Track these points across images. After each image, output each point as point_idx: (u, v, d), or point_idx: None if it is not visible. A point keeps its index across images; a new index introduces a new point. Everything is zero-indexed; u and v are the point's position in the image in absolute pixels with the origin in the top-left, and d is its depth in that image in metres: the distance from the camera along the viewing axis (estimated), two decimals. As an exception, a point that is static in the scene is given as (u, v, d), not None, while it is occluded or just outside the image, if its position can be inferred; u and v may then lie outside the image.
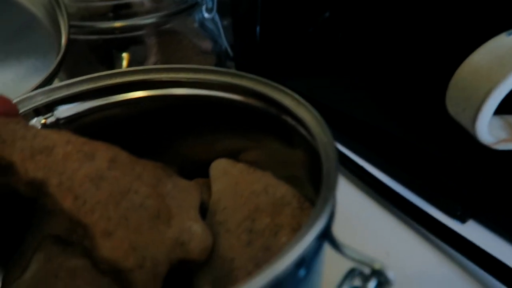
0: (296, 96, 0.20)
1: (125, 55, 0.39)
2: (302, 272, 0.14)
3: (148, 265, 0.15)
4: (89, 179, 0.16)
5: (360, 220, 0.29)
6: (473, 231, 0.29)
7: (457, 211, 0.30)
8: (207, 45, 0.46)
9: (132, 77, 0.23)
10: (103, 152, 0.17)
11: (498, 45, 0.19)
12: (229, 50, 0.47)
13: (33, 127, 0.17)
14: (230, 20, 0.49)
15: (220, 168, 0.22)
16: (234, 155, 0.24)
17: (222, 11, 0.47)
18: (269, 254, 0.18)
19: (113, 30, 0.38)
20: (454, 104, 0.20)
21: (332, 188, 0.15)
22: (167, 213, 0.17)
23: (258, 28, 0.47)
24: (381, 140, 0.34)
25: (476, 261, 0.26)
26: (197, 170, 0.24)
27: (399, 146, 0.33)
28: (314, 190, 0.20)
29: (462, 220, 0.30)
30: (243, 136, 0.24)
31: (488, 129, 0.20)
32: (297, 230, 0.18)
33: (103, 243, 0.15)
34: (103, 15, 0.37)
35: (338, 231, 0.15)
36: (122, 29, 0.38)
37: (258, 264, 0.18)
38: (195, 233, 0.17)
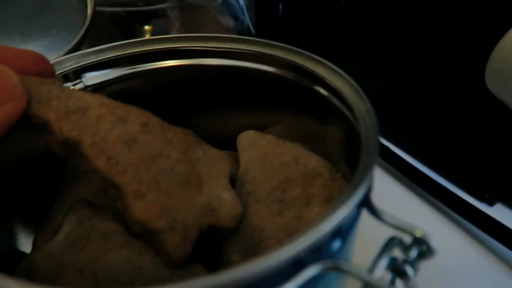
0: (331, 64, 0.19)
1: (147, 28, 0.39)
2: (337, 243, 0.14)
3: (179, 228, 0.15)
4: (122, 141, 0.16)
5: (386, 201, 0.28)
6: (501, 214, 0.28)
7: (485, 193, 0.29)
8: (229, 22, 0.45)
9: (161, 45, 0.23)
10: (136, 116, 0.17)
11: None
12: (251, 28, 0.47)
13: (68, 88, 0.17)
14: (253, -2, 0.49)
15: (248, 139, 0.22)
16: (259, 130, 0.23)
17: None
18: (302, 224, 0.17)
19: (137, 3, 0.37)
20: (495, 77, 0.20)
21: (373, 154, 0.14)
22: (198, 179, 0.17)
23: (281, 6, 0.46)
24: (409, 122, 0.33)
25: (504, 241, 0.25)
26: (220, 145, 0.24)
27: (428, 129, 0.33)
28: (348, 166, 0.19)
29: (490, 203, 0.29)
30: (271, 110, 0.23)
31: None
32: (329, 201, 0.18)
33: (135, 204, 0.15)
34: (127, -13, 0.36)
35: (365, 214, 0.14)
36: (145, 2, 0.37)
37: (290, 234, 0.17)
38: (225, 200, 0.17)
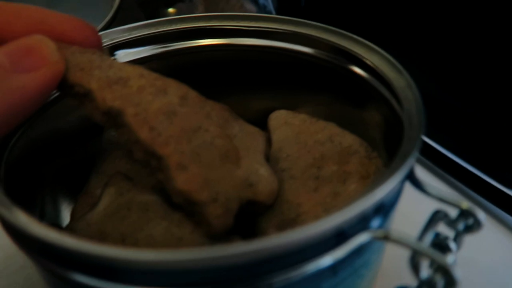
0: (367, 42, 0.19)
1: (171, 11, 0.39)
2: (381, 214, 0.14)
3: (221, 200, 0.15)
4: (163, 113, 0.16)
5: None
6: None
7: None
8: (251, 7, 0.45)
9: (193, 24, 0.23)
10: (175, 88, 0.17)
11: None
12: (273, 13, 0.46)
13: (108, 58, 0.17)
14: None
15: (280, 118, 0.22)
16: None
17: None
18: (338, 200, 0.17)
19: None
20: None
21: (418, 127, 0.14)
22: (236, 154, 0.17)
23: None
24: (447, 114, 0.33)
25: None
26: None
27: (464, 120, 0.32)
28: (384, 148, 0.19)
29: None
30: (303, 90, 0.23)
31: None
32: (366, 178, 0.18)
33: (178, 175, 0.15)
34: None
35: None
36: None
37: (327, 209, 0.17)
38: (263, 176, 0.17)
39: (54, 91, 0.17)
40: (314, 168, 0.19)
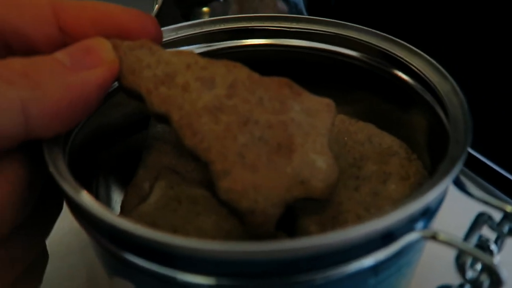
0: (409, 45, 0.20)
1: (205, 10, 0.40)
2: (428, 215, 0.14)
3: (261, 208, 0.15)
4: (208, 111, 0.16)
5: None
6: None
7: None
8: (283, 6, 0.45)
9: (235, 24, 0.23)
10: (222, 76, 0.17)
11: None
12: (304, 12, 0.47)
13: (156, 50, 0.17)
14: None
15: (320, 118, 0.23)
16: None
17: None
18: (378, 199, 0.18)
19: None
20: None
21: (464, 131, 0.15)
22: (289, 145, 0.16)
23: (333, -8, 0.46)
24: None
25: None
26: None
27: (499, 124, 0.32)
28: (427, 152, 0.19)
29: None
30: (343, 92, 0.23)
31: None
32: (406, 179, 0.18)
33: (220, 182, 0.15)
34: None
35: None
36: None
37: (367, 208, 0.18)
38: (319, 169, 0.16)
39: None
40: (354, 167, 0.19)
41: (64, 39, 0.17)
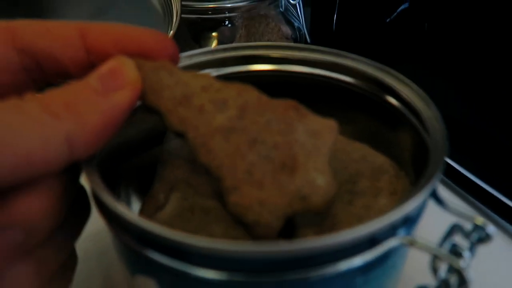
0: (399, 74, 0.22)
1: (214, 34, 0.43)
2: (408, 224, 0.16)
3: (265, 221, 0.17)
4: (220, 132, 0.18)
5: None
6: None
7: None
8: (287, 30, 0.48)
9: (243, 52, 0.26)
10: (234, 99, 0.19)
11: None
12: (307, 36, 0.50)
13: (175, 71, 0.19)
14: (309, 9, 0.52)
15: (319, 138, 0.25)
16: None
17: (303, -1, 0.49)
18: (370, 212, 0.20)
19: (207, 11, 0.41)
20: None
21: (442, 153, 0.17)
22: (293, 163, 0.18)
23: (335, 17, 0.49)
24: (457, 131, 0.35)
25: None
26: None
27: (473, 136, 0.35)
28: (412, 169, 0.22)
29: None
30: (340, 114, 0.26)
31: None
32: (394, 195, 0.21)
33: (229, 198, 0.18)
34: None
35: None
36: (214, 10, 0.41)
37: (360, 220, 0.20)
38: (318, 186, 0.18)
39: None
40: (350, 183, 0.22)
41: (90, 58, 0.18)
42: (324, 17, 0.50)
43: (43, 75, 0.19)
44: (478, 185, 0.31)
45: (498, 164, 0.34)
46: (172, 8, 0.32)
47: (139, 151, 0.25)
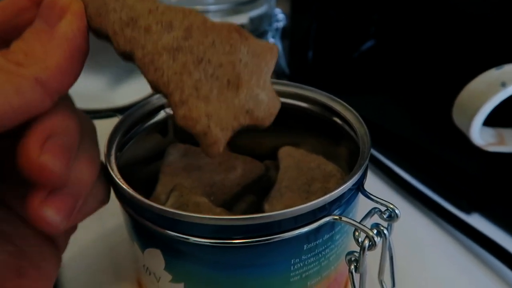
0: (343, 102, 0.29)
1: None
2: (342, 207, 0.23)
3: (213, 132, 0.19)
4: (167, 51, 0.18)
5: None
6: (477, 221, 0.37)
7: (463, 205, 0.38)
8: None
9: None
10: (179, 20, 0.19)
11: (488, 76, 0.28)
12: (285, 69, 0.57)
13: None
14: (288, 44, 0.59)
15: (286, 151, 0.32)
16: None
17: (281, 36, 0.57)
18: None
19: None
20: (457, 116, 0.29)
21: (365, 158, 0.24)
22: (237, 81, 0.19)
23: (310, 53, 0.56)
24: (406, 147, 0.43)
25: (478, 242, 0.34)
26: (260, 158, 0.33)
27: (420, 152, 0.42)
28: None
29: (468, 212, 0.37)
30: (300, 133, 0.33)
31: (479, 135, 0.29)
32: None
33: (178, 111, 0.18)
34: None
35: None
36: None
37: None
38: (262, 101, 0.19)
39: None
40: (306, 185, 0.28)
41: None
42: (301, 53, 0.57)
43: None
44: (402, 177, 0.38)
45: (418, 161, 0.41)
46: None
47: (145, 165, 0.31)
